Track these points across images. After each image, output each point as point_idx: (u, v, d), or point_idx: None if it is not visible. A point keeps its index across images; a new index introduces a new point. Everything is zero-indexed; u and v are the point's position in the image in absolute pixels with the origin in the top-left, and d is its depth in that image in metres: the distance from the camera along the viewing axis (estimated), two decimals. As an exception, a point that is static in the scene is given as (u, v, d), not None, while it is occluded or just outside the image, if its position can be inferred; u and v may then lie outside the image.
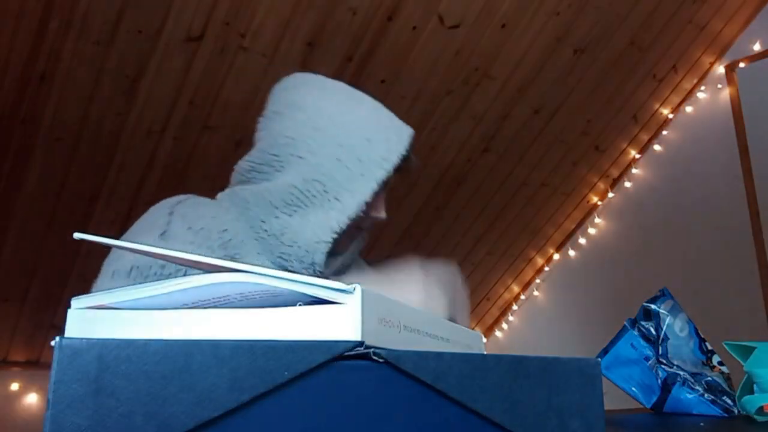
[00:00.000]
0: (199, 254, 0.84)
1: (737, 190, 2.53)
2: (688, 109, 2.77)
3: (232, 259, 0.87)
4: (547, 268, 3.23)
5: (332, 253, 0.93)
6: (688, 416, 0.99)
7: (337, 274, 0.99)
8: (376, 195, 0.92)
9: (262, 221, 0.90)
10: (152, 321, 0.38)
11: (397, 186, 2.64)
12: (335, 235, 0.87)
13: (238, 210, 0.92)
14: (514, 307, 3.35)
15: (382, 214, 0.95)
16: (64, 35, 1.77)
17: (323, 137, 0.89)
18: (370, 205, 0.91)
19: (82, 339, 0.31)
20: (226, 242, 0.88)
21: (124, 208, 2.23)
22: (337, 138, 0.89)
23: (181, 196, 0.94)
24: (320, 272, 0.91)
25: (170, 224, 0.87)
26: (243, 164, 0.95)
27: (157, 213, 0.90)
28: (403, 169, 0.96)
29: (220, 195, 0.97)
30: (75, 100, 1.92)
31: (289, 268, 0.90)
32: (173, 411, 0.31)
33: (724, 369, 1.06)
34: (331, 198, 0.88)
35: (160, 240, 0.86)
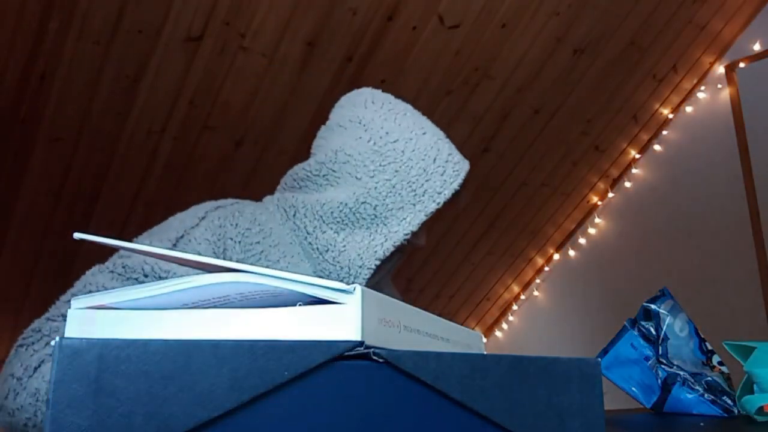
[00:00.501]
0: (235, 257, 0.84)
1: (737, 190, 2.53)
2: (688, 109, 2.77)
3: (275, 264, 0.87)
4: (547, 268, 3.23)
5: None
6: (688, 416, 0.99)
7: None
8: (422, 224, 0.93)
9: (308, 232, 0.91)
10: (152, 321, 0.38)
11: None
12: (378, 262, 0.89)
13: (284, 215, 0.92)
14: (514, 307, 3.35)
15: (422, 241, 0.96)
16: (64, 35, 1.77)
17: (382, 161, 0.90)
18: (414, 234, 0.93)
19: (82, 339, 0.31)
20: (270, 245, 0.89)
21: (124, 208, 2.23)
22: (395, 164, 0.90)
23: (221, 201, 0.94)
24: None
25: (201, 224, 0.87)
26: (298, 171, 0.96)
27: (192, 214, 0.90)
28: (452, 202, 0.96)
29: (266, 198, 0.98)
30: (75, 100, 1.92)
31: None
32: (173, 411, 0.31)
33: (724, 369, 1.06)
34: (380, 223, 0.89)
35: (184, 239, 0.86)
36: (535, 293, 3.27)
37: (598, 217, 3.05)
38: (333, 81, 2.14)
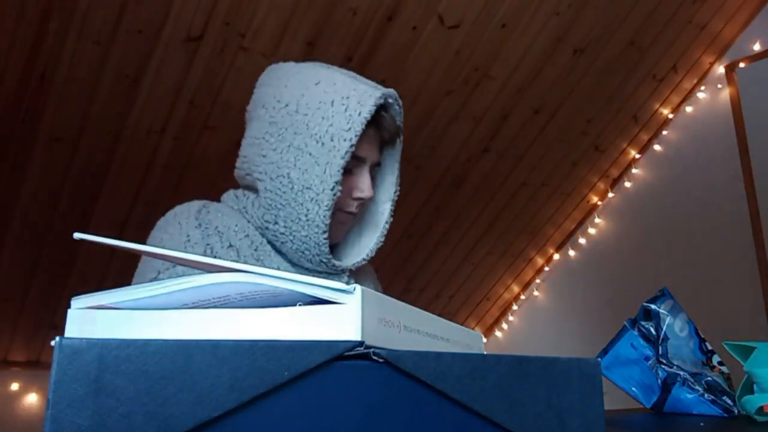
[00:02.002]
0: (228, 255, 0.83)
1: (737, 190, 2.53)
2: (688, 109, 2.77)
3: (258, 261, 0.87)
4: (547, 268, 3.23)
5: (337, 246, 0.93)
6: (688, 416, 0.99)
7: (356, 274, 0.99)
8: (352, 173, 0.89)
9: (263, 229, 0.90)
10: (152, 321, 0.38)
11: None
12: (324, 233, 0.84)
13: (240, 215, 0.92)
14: (514, 307, 3.35)
15: (365, 192, 0.89)
16: (64, 35, 1.77)
17: (279, 131, 0.86)
18: (350, 185, 0.88)
19: (82, 339, 0.31)
20: (250, 245, 0.88)
21: (124, 208, 2.23)
22: (293, 127, 0.85)
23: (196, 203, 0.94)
24: (342, 269, 0.91)
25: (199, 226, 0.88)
26: (235, 171, 0.96)
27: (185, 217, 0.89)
28: (387, 139, 0.94)
29: (225, 197, 0.97)
30: (75, 100, 1.92)
31: (309, 269, 0.90)
32: (173, 411, 0.31)
33: (724, 369, 1.06)
34: (303, 189, 0.83)
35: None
36: (535, 293, 3.27)
37: (598, 217, 3.05)
38: (333, 81, 2.14)
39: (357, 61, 2.11)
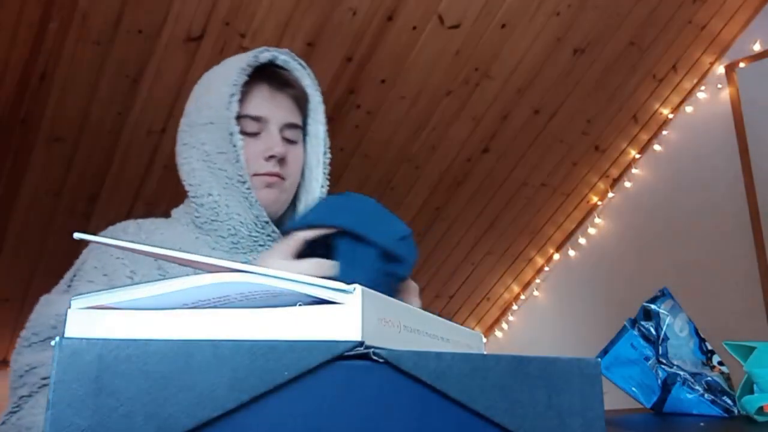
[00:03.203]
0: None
1: (737, 190, 2.53)
2: (688, 109, 2.77)
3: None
4: (547, 268, 3.23)
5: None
6: (688, 416, 0.99)
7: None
8: (259, 136, 0.89)
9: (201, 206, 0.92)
10: (152, 321, 0.38)
11: (397, 185, 2.65)
12: (247, 186, 0.86)
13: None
14: (514, 307, 3.35)
15: (274, 149, 0.89)
16: (64, 35, 1.77)
17: (182, 136, 0.93)
18: (262, 147, 0.89)
19: (82, 339, 0.31)
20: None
21: (124, 208, 2.23)
22: (186, 127, 0.92)
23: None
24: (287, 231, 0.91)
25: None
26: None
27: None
28: (304, 104, 0.93)
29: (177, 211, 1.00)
30: (75, 100, 1.92)
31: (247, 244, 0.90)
32: (173, 411, 0.31)
33: (724, 369, 1.06)
34: (214, 154, 0.87)
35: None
36: (535, 293, 3.27)
37: (598, 217, 3.05)
38: (333, 81, 2.14)
39: (357, 61, 2.11)
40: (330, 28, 2.01)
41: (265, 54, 0.91)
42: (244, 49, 1.98)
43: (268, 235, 0.89)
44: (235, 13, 1.87)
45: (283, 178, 0.91)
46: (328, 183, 0.97)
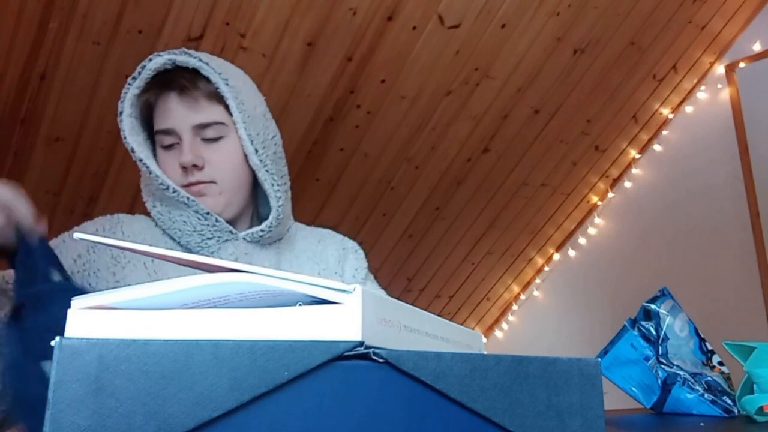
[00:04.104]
0: None
1: (737, 190, 2.53)
2: (688, 109, 2.77)
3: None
4: (547, 268, 3.23)
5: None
6: (688, 416, 0.99)
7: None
8: (174, 148, 0.90)
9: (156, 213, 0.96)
10: (152, 321, 0.38)
11: (397, 185, 2.65)
12: (189, 203, 0.87)
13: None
14: (514, 307, 3.35)
15: (182, 158, 0.88)
16: (64, 35, 1.77)
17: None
18: (174, 167, 0.90)
19: (82, 339, 0.31)
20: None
21: (124, 208, 2.23)
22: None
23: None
24: (231, 230, 0.91)
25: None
26: None
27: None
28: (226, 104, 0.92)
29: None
30: (75, 100, 1.92)
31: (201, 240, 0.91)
32: (173, 411, 0.31)
33: (724, 369, 1.06)
34: (149, 186, 0.92)
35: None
36: (535, 293, 3.27)
37: (598, 217, 3.05)
38: (333, 81, 2.14)
39: (357, 61, 2.11)
40: (330, 28, 2.01)
41: (157, 59, 0.90)
42: (244, 49, 1.99)
43: (213, 225, 0.88)
44: (235, 13, 1.87)
45: (211, 182, 0.89)
46: (283, 163, 0.95)
